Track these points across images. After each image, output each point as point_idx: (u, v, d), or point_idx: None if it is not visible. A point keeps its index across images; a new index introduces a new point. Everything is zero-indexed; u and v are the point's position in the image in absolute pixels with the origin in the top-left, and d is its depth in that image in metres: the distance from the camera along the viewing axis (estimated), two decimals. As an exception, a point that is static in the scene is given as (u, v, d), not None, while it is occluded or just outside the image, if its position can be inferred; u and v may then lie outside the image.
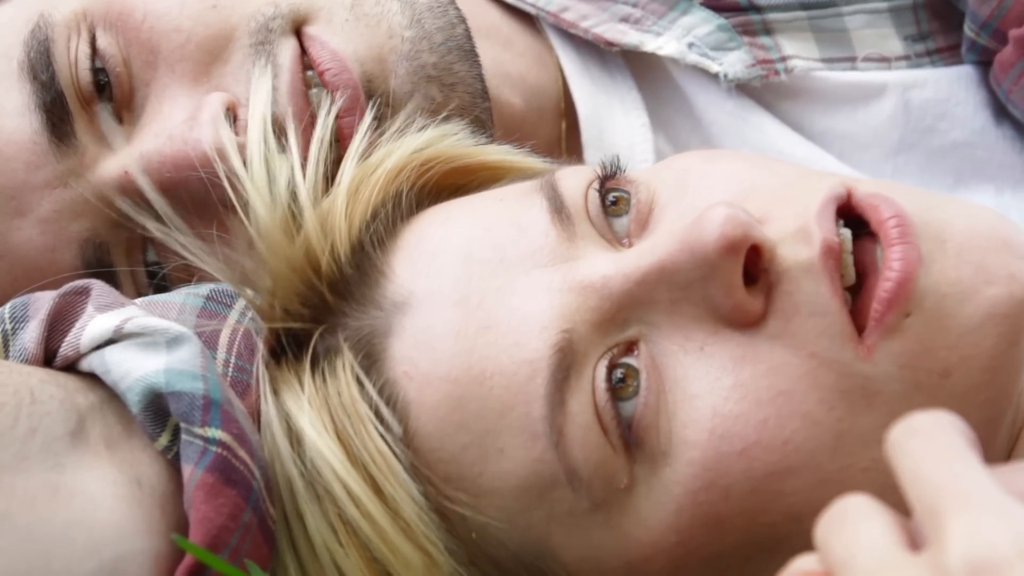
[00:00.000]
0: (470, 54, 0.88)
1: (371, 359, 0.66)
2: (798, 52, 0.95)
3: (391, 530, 0.64)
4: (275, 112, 0.79)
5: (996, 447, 0.65)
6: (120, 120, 0.84)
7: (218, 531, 0.61)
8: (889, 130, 0.96)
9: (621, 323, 0.64)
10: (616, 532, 0.63)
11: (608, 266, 0.64)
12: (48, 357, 0.66)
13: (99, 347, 0.64)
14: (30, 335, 0.65)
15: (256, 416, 0.68)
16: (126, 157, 0.82)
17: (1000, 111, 0.98)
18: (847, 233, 0.64)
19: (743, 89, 0.97)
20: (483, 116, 0.87)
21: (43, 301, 0.67)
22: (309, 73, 0.84)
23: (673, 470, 0.62)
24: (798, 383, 0.61)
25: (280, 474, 0.66)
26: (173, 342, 0.64)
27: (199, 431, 0.62)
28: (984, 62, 0.97)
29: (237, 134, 0.79)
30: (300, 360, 0.69)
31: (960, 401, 0.60)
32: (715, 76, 0.96)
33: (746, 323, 0.62)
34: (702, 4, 0.97)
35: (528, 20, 1.02)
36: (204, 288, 0.73)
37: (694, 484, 0.62)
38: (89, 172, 0.82)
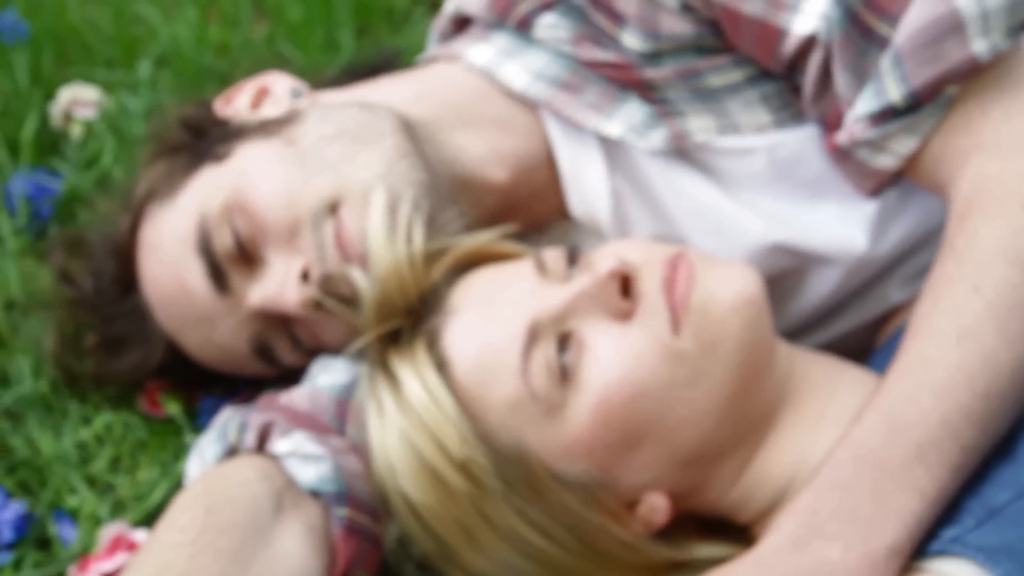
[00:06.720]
0: (442, 198, 1.22)
1: (433, 339, 1.04)
2: (700, 127, 1.24)
3: (447, 422, 1.00)
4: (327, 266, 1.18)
5: (762, 397, 1.02)
6: (253, 272, 1.22)
7: (353, 557, 1.05)
8: (763, 171, 1.25)
9: (563, 320, 1.00)
10: (557, 428, 1.00)
11: (560, 293, 1.02)
12: (258, 446, 1.09)
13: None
14: (249, 439, 1.09)
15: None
16: (257, 297, 1.21)
17: None
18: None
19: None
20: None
21: (254, 418, 1.10)
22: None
23: (585, 394, 0.99)
24: (648, 351, 0.98)
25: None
26: (319, 460, 1.06)
27: (336, 510, 1.05)
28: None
29: (307, 284, 1.18)
30: (400, 343, 1.06)
31: (727, 360, 0.99)
32: None
33: (624, 317, 1.00)
34: (637, 96, 1.25)
35: (526, 103, 1.30)
36: (338, 388, 1.17)
37: (595, 399, 0.99)
38: (243, 303, 1.22)
